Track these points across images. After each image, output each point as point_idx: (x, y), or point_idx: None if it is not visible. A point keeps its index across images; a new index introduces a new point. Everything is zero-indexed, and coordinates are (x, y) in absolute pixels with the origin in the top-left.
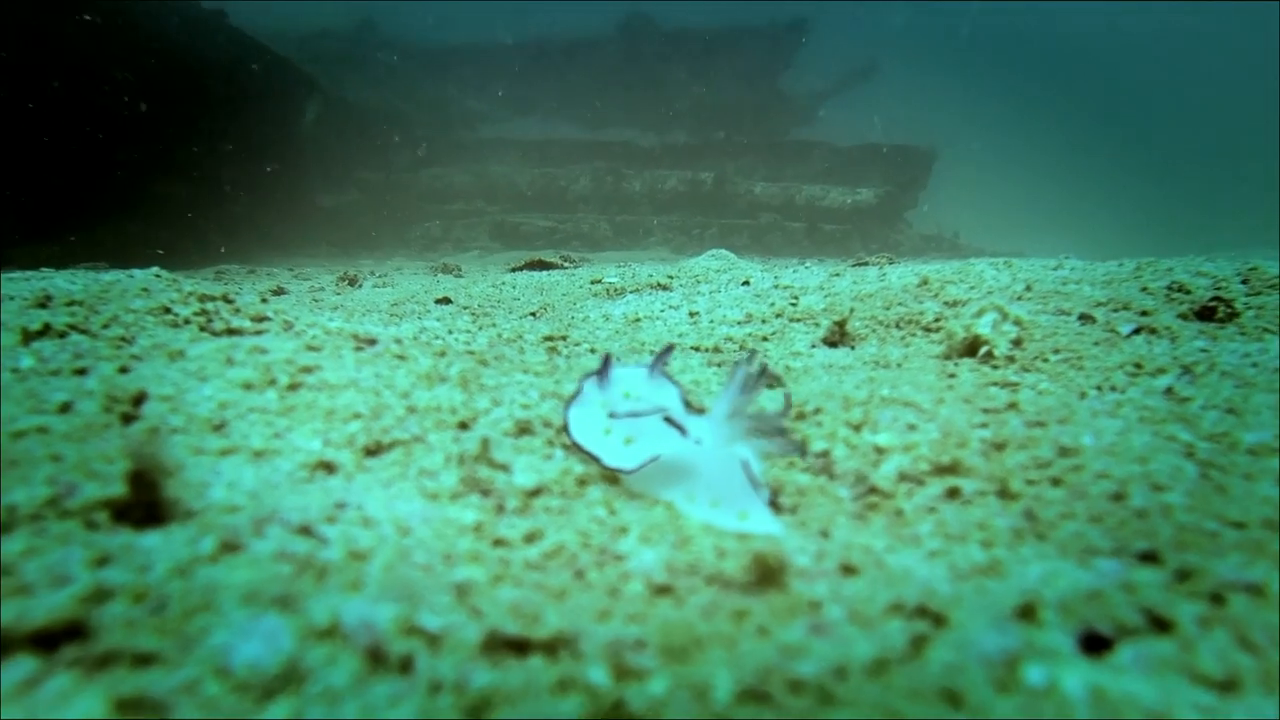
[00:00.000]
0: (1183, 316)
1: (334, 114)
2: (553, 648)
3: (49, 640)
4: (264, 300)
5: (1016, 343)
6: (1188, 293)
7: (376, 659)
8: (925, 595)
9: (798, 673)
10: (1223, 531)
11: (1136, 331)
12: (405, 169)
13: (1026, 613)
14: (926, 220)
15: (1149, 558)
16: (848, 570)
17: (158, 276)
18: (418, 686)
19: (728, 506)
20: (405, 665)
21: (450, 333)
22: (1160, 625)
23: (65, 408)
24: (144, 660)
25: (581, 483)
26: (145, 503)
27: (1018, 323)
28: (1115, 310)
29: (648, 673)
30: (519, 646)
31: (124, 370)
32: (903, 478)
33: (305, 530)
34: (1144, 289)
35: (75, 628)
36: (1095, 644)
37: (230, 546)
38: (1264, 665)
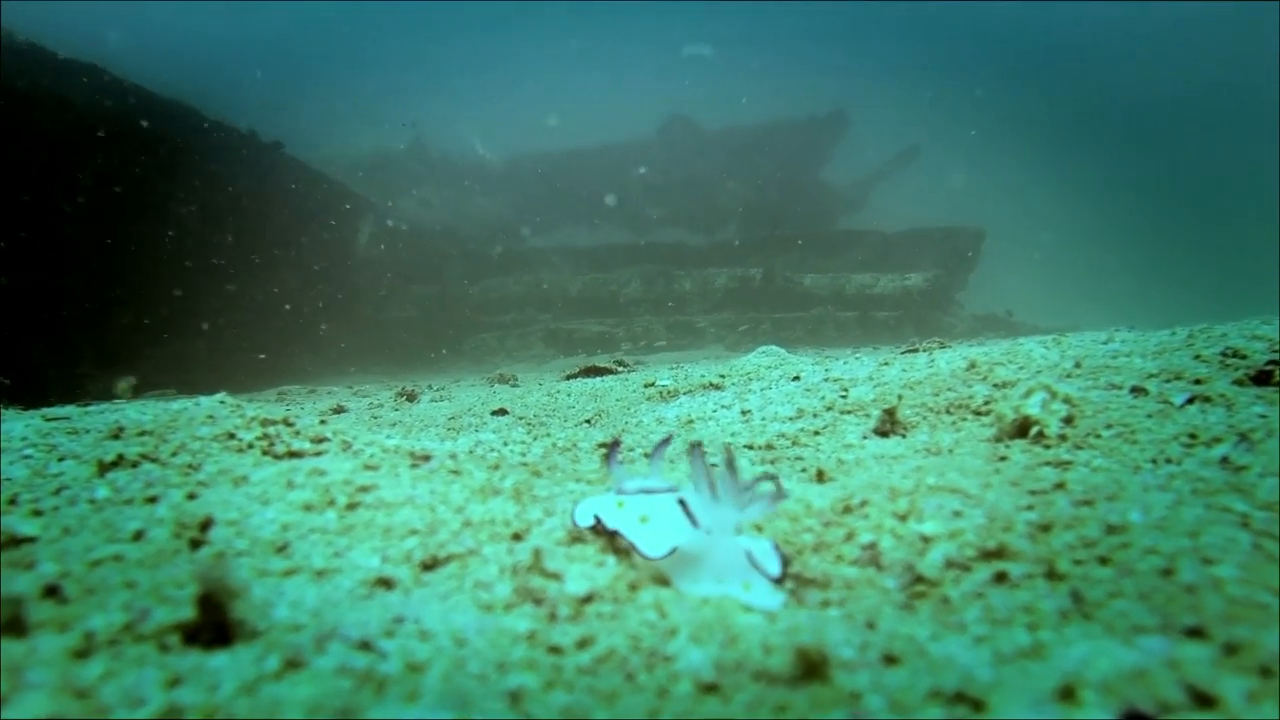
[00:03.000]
0: (1238, 383)
1: (387, 233)
2: None
3: None
4: (323, 421)
5: (1068, 420)
6: (1243, 358)
7: None
8: (964, 681)
9: None
10: (1275, 603)
11: (1190, 401)
12: (458, 282)
13: (1067, 694)
14: (979, 300)
15: (1195, 633)
16: (890, 660)
17: (222, 403)
18: None
19: (733, 579)
20: None
21: (506, 444)
22: (1205, 701)
23: (138, 535)
24: None
25: (633, 587)
26: (214, 624)
27: (1067, 400)
28: (1168, 381)
29: None
30: None
31: (192, 496)
32: (949, 565)
33: (365, 645)
34: (1197, 357)
35: None
36: None
37: (293, 664)
38: None
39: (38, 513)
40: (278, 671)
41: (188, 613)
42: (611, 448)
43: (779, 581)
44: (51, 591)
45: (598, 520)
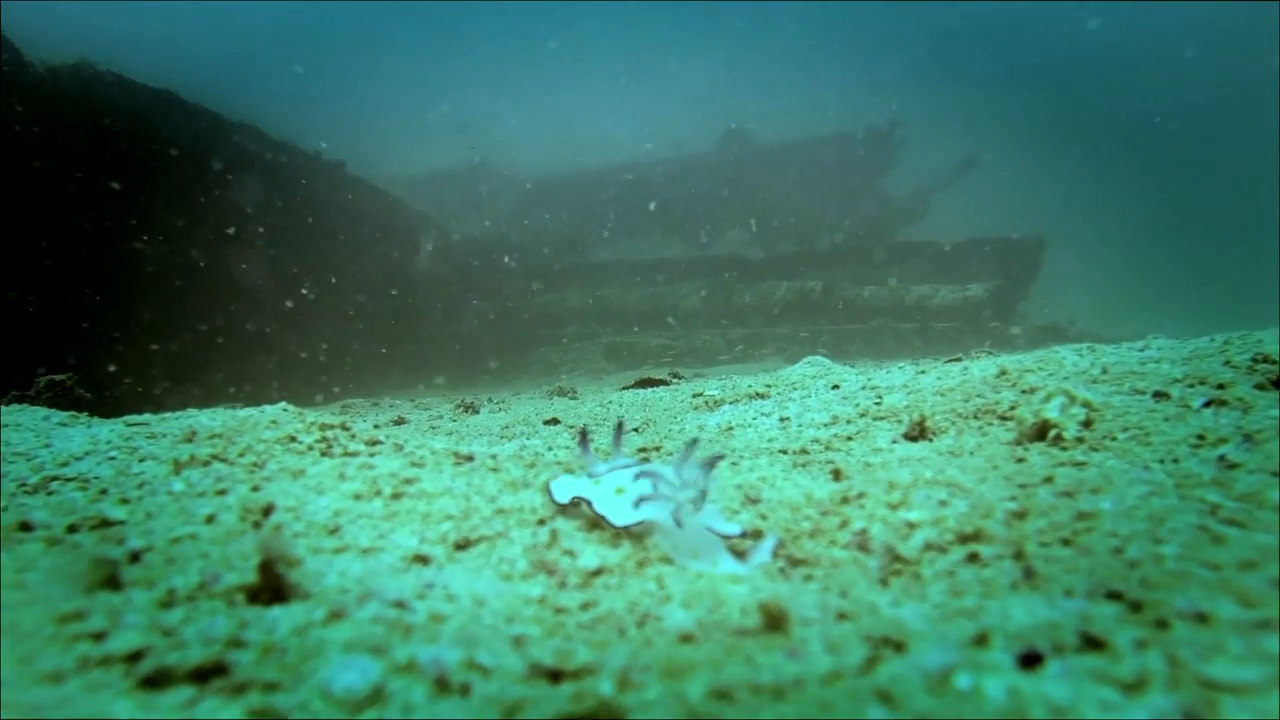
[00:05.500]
0: (1259, 387)
1: (449, 248)
2: (579, 674)
3: (202, 675)
4: (376, 427)
5: (1086, 424)
6: (1273, 363)
7: (442, 685)
8: (894, 630)
9: (761, 680)
10: (1196, 573)
11: (1208, 405)
12: (520, 296)
13: (980, 640)
14: (1044, 310)
15: (1114, 596)
16: (843, 617)
17: (285, 410)
18: (474, 703)
19: (705, 558)
20: (464, 689)
21: (550, 449)
22: (1094, 644)
23: (210, 519)
24: (270, 687)
25: (641, 564)
26: (272, 587)
27: (1086, 405)
28: (1191, 386)
29: (645, 685)
30: (553, 675)
31: (256, 489)
32: (928, 547)
33: (399, 604)
34: (1227, 363)
35: (220, 667)
36: (1030, 660)
37: (337, 615)
38: (1176, 672)
39: (125, 501)
40: (324, 620)
41: (251, 578)
42: (583, 438)
43: (741, 538)
44: (138, 558)
45: (575, 499)
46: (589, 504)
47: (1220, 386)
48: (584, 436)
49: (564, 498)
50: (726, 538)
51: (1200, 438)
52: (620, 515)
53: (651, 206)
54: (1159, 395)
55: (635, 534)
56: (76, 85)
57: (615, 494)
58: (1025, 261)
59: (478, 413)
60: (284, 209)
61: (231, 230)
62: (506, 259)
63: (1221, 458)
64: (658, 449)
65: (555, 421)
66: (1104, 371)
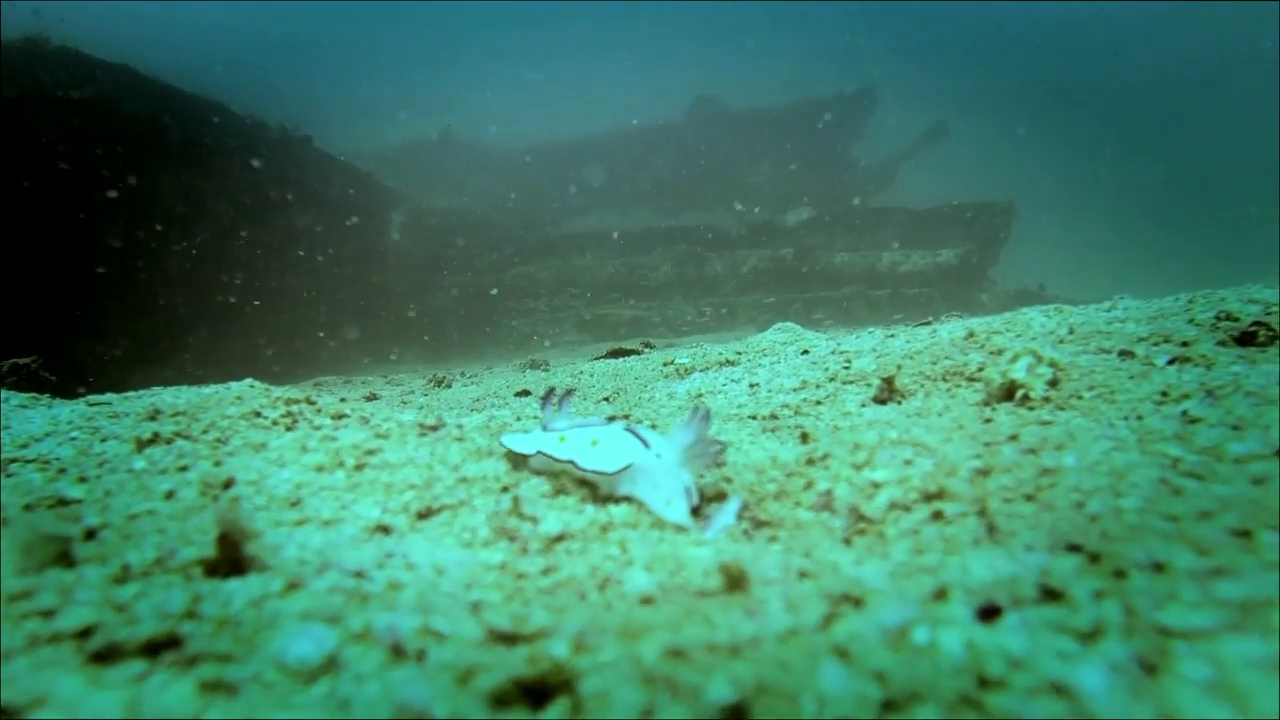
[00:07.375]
0: (1222, 344)
1: (418, 222)
2: (533, 637)
3: (153, 649)
4: (343, 400)
5: (1052, 383)
6: (1235, 320)
7: (398, 652)
8: (853, 587)
9: (717, 640)
10: (1155, 524)
11: (1172, 362)
12: (491, 270)
13: (940, 595)
14: (1016, 275)
15: (1074, 549)
16: (804, 576)
17: (251, 386)
18: (428, 669)
19: (659, 495)
20: (420, 655)
21: (518, 419)
22: (1052, 596)
23: (170, 495)
24: (223, 659)
25: (604, 529)
26: (230, 560)
27: (1053, 364)
28: (1156, 344)
29: (601, 647)
30: (509, 639)
31: (218, 464)
32: (893, 506)
33: (358, 574)
34: (1191, 320)
35: (173, 640)
36: (988, 613)
37: (294, 585)
38: (1132, 621)
39: (83, 480)
40: (281, 591)
41: (210, 552)
42: (548, 394)
43: (696, 511)
44: (94, 535)
45: (541, 454)
46: (574, 464)
47: (1184, 344)
48: (549, 393)
49: (525, 448)
50: (690, 501)
51: (1164, 394)
52: (609, 462)
53: (638, 183)
54: (1125, 354)
55: (618, 480)
56: (27, 62)
57: (591, 446)
58: (996, 227)
59: (450, 387)
60: (251, 186)
61: (197, 208)
62: (477, 232)
63: (1184, 413)
64: (627, 416)
65: (526, 393)
66: (1071, 332)
